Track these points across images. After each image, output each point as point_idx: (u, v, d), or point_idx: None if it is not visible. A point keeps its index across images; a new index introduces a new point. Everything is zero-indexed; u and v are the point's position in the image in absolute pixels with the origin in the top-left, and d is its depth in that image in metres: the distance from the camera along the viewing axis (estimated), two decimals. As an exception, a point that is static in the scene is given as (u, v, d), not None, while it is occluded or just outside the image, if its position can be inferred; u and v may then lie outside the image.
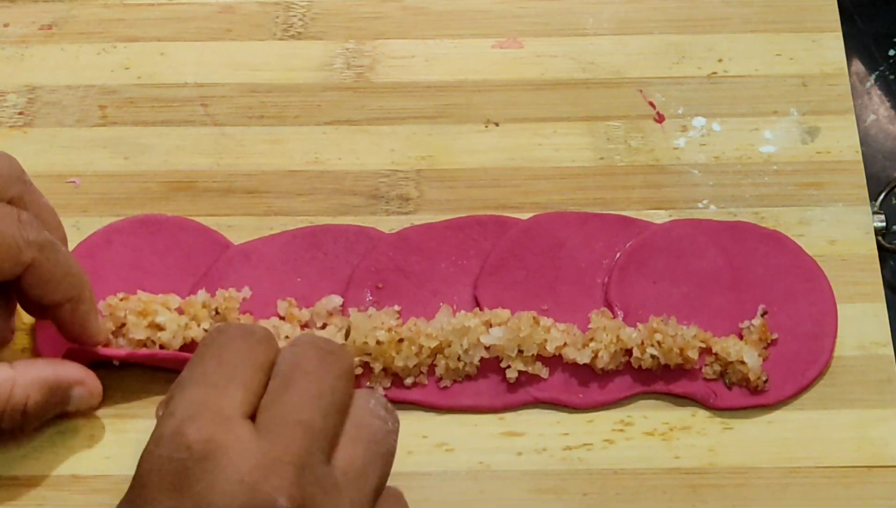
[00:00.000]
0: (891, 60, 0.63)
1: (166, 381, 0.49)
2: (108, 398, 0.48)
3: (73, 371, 0.46)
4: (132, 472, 0.47)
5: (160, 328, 0.48)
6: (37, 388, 0.44)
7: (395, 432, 0.39)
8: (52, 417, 0.46)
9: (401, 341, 0.48)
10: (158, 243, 0.52)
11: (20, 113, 0.56)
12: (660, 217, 0.53)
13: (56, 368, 0.46)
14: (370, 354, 0.48)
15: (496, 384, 0.49)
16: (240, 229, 0.53)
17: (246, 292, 0.50)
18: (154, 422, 0.36)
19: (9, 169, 0.45)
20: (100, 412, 0.48)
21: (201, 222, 0.53)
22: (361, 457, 0.36)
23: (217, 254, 0.52)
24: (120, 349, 0.48)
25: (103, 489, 0.47)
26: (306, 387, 0.36)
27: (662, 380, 0.49)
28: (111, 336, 0.48)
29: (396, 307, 0.50)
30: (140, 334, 0.48)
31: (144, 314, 0.48)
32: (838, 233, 0.53)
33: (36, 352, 0.49)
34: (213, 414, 0.35)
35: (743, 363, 0.48)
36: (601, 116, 0.56)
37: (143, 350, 0.48)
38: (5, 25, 0.59)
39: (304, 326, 0.50)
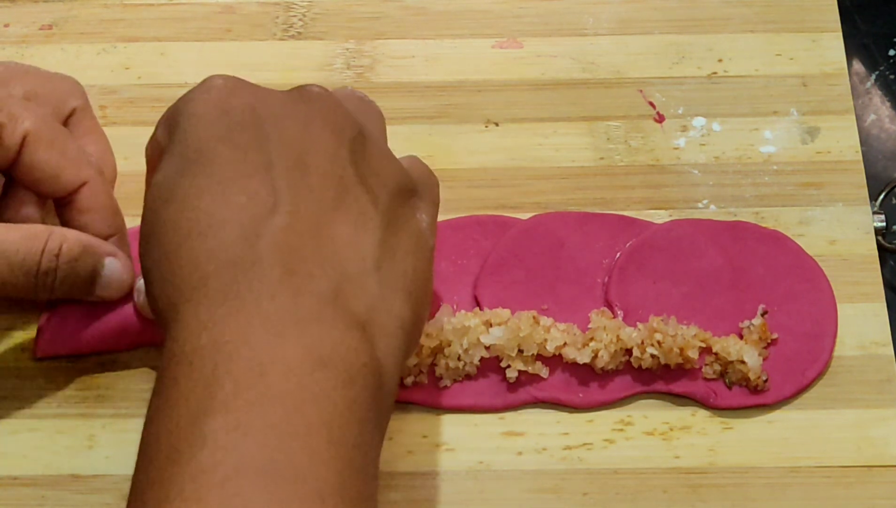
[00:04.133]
0: (891, 60, 0.63)
1: (166, 381, 0.49)
2: (107, 398, 0.49)
3: (107, 245, 0.48)
4: (132, 472, 0.47)
5: None
6: (72, 241, 0.46)
7: (376, 109, 0.45)
8: (85, 291, 0.47)
9: (401, 340, 0.48)
10: None
11: (20, 113, 0.56)
12: (660, 217, 0.53)
13: (92, 237, 0.47)
14: (370, 354, 0.48)
15: (496, 383, 0.49)
16: (240, 229, 0.53)
17: None
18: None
19: (73, 84, 0.50)
20: (99, 412, 0.48)
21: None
22: (353, 106, 0.42)
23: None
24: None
25: (103, 489, 0.47)
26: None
27: (662, 380, 0.49)
28: None
29: (396, 307, 0.50)
30: None
31: None
32: (838, 233, 0.53)
33: (36, 354, 0.49)
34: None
35: (743, 362, 0.48)
36: (601, 116, 0.56)
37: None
38: (5, 25, 0.59)
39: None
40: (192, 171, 0.38)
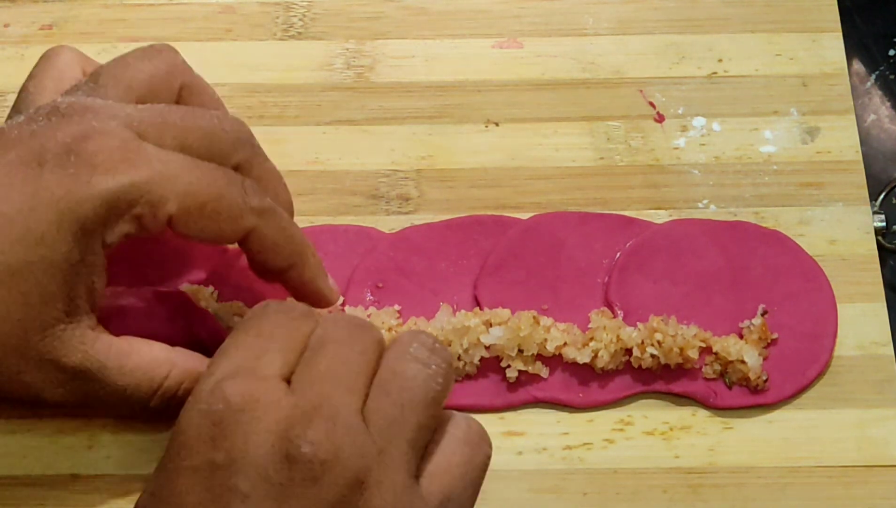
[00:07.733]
0: (891, 60, 0.63)
1: (166, 381, 0.49)
2: (108, 397, 0.49)
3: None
4: (132, 472, 0.47)
5: None
6: (192, 379, 0.44)
7: (442, 373, 0.39)
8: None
9: (401, 340, 0.48)
10: (155, 254, 0.51)
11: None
12: (660, 217, 0.53)
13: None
14: (370, 354, 0.48)
15: (496, 383, 0.49)
16: (240, 229, 0.53)
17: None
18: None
19: (237, 133, 0.46)
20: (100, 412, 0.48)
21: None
22: (390, 406, 0.37)
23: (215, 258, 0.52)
24: None
25: (103, 489, 0.47)
26: (336, 351, 0.38)
27: (662, 380, 0.49)
28: None
29: (396, 307, 0.50)
30: None
31: None
32: (838, 233, 0.53)
33: None
34: (250, 373, 0.37)
35: (743, 362, 0.48)
36: (601, 116, 0.56)
37: None
38: (5, 25, 0.59)
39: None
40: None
